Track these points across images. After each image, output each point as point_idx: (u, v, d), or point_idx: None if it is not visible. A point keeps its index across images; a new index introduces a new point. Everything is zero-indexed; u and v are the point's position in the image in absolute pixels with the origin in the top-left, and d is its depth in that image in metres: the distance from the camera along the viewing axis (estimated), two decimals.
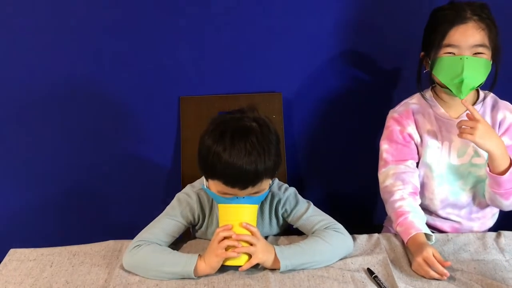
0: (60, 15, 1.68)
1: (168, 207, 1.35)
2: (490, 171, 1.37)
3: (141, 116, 1.84)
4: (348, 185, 2.01)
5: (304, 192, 1.98)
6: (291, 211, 1.37)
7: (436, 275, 1.21)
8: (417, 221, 1.35)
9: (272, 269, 1.25)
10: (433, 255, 1.23)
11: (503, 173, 1.34)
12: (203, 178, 1.32)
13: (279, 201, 1.37)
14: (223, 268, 1.24)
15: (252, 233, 1.22)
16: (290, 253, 1.24)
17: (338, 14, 1.75)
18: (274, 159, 1.21)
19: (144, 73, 1.78)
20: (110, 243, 1.38)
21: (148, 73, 1.78)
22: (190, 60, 1.78)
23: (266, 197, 1.36)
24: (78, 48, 1.72)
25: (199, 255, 1.23)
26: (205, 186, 1.28)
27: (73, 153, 1.87)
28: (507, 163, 1.34)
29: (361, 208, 2.06)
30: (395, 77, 1.85)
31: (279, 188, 1.39)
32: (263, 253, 1.22)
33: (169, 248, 1.27)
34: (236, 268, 1.23)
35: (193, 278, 1.21)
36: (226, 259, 1.22)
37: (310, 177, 2.01)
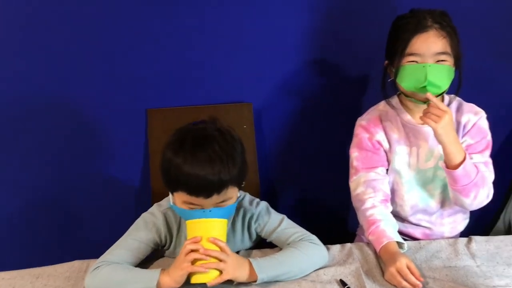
0: (24, 29, 1.63)
1: (132, 227, 1.31)
2: (446, 166, 1.37)
3: (109, 130, 1.80)
4: (321, 194, 2.00)
5: (277, 202, 1.98)
6: (265, 225, 1.34)
7: (408, 286, 1.20)
8: (388, 230, 1.35)
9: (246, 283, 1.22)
10: (407, 265, 1.22)
11: (457, 167, 1.34)
12: (170, 197, 1.29)
13: (251, 216, 1.35)
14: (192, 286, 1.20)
15: (221, 249, 1.18)
16: (267, 265, 1.22)
17: (305, 23, 1.74)
18: (240, 166, 1.19)
19: (110, 86, 1.74)
20: (75, 263, 1.33)
21: (114, 86, 1.74)
22: (158, 72, 1.75)
23: (238, 213, 1.34)
24: (41, 63, 1.68)
25: (162, 269, 1.19)
26: (171, 203, 1.24)
27: (40, 169, 1.82)
28: (461, 158, 1.34)
29: (334, 216, 2.05)
30: (364, 84, 1.85)
31: (251, 203, 1.37)
32: (235, 269, 1.18)
33: (130, 266, 1.23)
34: (203, 285, 1.19)
35: None
36: (192, 274, 1.17)
37: (283, 187, 1.99)
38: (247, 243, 1.39)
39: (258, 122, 1.84)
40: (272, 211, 1.38)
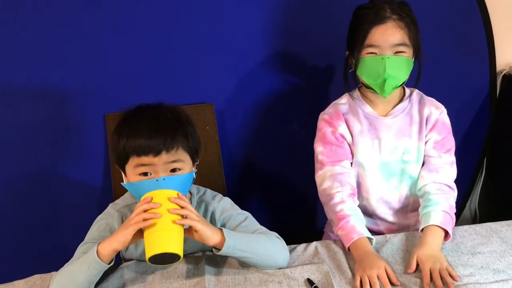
0: None
1: (88, 231, 1.28)
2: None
3: (67, 136, 1.76)
4: (287, 192, 2.00)
5: (243, 202, 1.95)
6: (229, 219, 1.31)
7: None
8: (358, 225, 1.34)
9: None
10: (385, 270, 1.21)
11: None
12: (126, 195, 1.31)
13: (214, 211, 1.32)
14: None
15: (184, 208, 1.13)
16: (236, 235, 1.19)
17: (264, 18, 1.73)
18: (192, 134, 1.21)
19: (66, 91, 1.70)
20: (37, 280, 1.28)
21: (70, 91, 1.70)
22: (115, 75, 1.71)
23: (200, 207, 1.32)
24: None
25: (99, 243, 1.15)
26: (124, 182, 1.22)
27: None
28: (443, 235, 1.32)
29: (301, 214, 2.05)
30: (326, 78, 1.85)
31: (213, 198, 1.34)
32: (204, 223, 1.14)
33: (74, 261, 1.19)
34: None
35: (106, 266, 1.14)
36: (151, 244, 1.06)
37: (248, 187, 1.99)
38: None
39: (220, 123, 1.81)
40: (237, 207, 1.36)
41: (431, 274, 1.19)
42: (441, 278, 1.19)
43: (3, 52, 1.62)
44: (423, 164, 1.49)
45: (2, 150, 1.73)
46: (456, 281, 1.18)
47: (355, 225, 1.34)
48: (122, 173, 1.24)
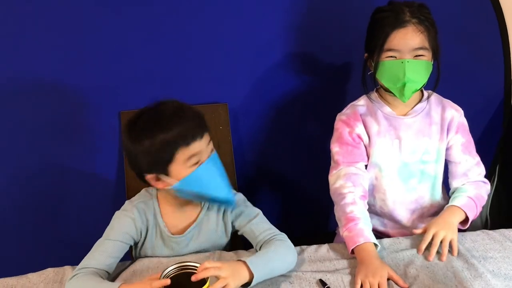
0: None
1: (107, 228, 1.29)
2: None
3: (83, 133, 1.77)
4: (300, 193, 2.00)
5: (255, 202, 1.95)
6: (241, 214, 1.34)
7: None
8: (366, 230, 1.34)
9: None
10: (389, 275, 1.21)
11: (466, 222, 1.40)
12: (142, 193, 1.34)
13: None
14: None
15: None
16: (258, 263, 1.16)
17: (280, 18, 1.73)
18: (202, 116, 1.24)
19: (83, 89, 1.71)
20: (50, 273, 1.29)
21: (87, 90, 1.71)
22: (130, 74, 1.72)
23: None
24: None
25: (122, 283, 1.13)
26: (171, 187, 1.21)
27: (17, 167, 1.77)
28: (462, 216, 1.39)
29: (314, 216, 2.04)
30: (342, 79, 1.85)
31: None
32: (234, 278, 1.10)
33: (99, 279, 1.18)
34: None
35: None
36: None
37: (260, 188, 1.99)
38: (221, 235, 1.37)
39: (234, 123, 1.82)
40: (249, 203, 1.38)
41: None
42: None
43: (24, 51, 1.63)
44: (446, 168, 1.51)
45: (21, 146, 1.75)
46: (453, 255, 1.23)
47: (363, 229, 1.34)
48: (156, 181, 1.22)
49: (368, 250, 1.28)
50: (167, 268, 1.07)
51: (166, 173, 1.21)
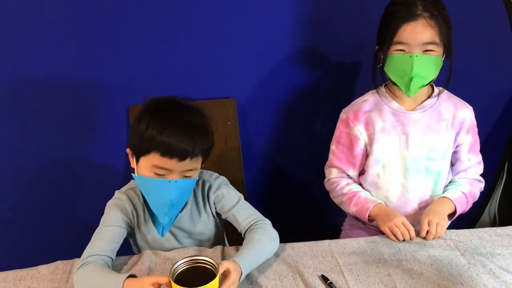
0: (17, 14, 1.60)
1: (102, 218, 1.32)
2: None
3: (93, 127, 1.78)
4: (307, 189, 2.00)
5: (262, 198, 1.97)
6: (223, 197, 1.35)
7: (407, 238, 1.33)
8: (370, 196, 1.45)
9: None
10: (403, 223, 1.34)
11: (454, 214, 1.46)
12: (131, 182, 1.36)
13: (210, 187, 1.36)
14: None
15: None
16: (247, 259, 1.19)
17: (289, 14, 1.73)
18: (211, 141, 1.23)
19: (93, 84, 1.72)
20: (59, 265, 1.31)
21: (97, 84, 1.72)
22: (140, 69, 1.73)
23: (197, 184, 1.36)
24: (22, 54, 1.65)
25: (129, 276, 1.13)
26: (135, 174, 1.24)
27: (30, 160, 1.79)
28: (452, 209, 1.44)
29: (320, 211, 2.04)
30: (351, 74, 1.85)
31: (210, 175, 1.38)
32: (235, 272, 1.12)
33: (106, 269, 1.19)
34: None
35: None
36: None
37: (268, 183, 1.98)
38: (210, 218, 1.39)
39: (242, 118, 1.82)
40: (232, 187, 1.39)
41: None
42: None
43: (39, 48, 1.65)
44: (451, 164, 1.52)
45: (34, 139, 1.76)
46: (438, 237, 1.33)
47: (367, 197, 1.45)
48: (132, 157, 1.25)
49: (380, 208, 1.41)
50: (177, 262, 1.08)
51: (137, 160, 1.23)
